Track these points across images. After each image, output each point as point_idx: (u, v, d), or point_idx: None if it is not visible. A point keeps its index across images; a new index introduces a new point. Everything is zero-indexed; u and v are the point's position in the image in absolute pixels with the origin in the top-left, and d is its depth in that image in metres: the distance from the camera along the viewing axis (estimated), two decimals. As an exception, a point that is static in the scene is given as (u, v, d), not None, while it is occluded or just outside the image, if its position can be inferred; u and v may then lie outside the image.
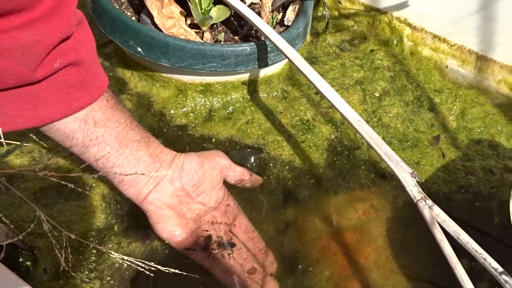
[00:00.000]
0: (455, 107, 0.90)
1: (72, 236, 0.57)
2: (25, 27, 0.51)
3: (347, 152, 0.84)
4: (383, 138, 0.70)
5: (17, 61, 0.51)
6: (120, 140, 0.65)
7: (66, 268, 0.60)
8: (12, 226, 0.61)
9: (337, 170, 0.82)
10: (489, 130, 0.87)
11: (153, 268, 0.61)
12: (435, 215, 0.61)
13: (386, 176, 0.82)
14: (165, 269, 0.61)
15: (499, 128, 0.88)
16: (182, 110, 0.86)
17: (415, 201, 0.62)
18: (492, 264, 0.57)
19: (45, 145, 0.78)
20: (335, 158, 0.83)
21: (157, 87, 0.87)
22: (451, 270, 0.71)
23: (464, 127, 0.88)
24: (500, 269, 0.56)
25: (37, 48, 0.52)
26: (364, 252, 0.74)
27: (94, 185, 0.75)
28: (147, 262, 0.61)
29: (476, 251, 0.58)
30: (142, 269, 0.60)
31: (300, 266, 0.72)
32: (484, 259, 0.58)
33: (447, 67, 0.97)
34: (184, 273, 0.64)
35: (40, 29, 0.52)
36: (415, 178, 0.64)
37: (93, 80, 0.61)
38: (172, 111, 0.86)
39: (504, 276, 0.56)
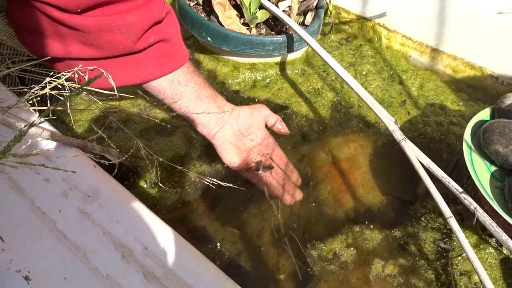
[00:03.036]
0: (416, 82, 0.80)
1: (160, 159, 0.51)
2: (129, 11, 0.45)
3: (344, 110, 0.75)
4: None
5: (123, 35, 0.45)
6: (197, 95, 0.57)
7: (156, 181, 0.55)
8: (118, 150, 0.55)
9: (337, 121, 0.73)
10: (439, 97, 0.78)
11: (215, 182, 0.55)
12: (413, 151, 0.52)
13: (370, 125, 0.73)
14: (223, 183, 0.56)
15: (446, 96, 0.78)
16: (236, 80, 0.78)
17: (398, 140, 0.53)
18: (454, 186, 0.48)
19: (148, 101, 0.71)
20: (335, 113, 0.75)
21: (220, 66, 0.79)
22: (411, 188, 0.64)
23: (422, 95, 0.79)
24: (460, 189, 0.48)
25: (137, 26, 0.46)
26: (353, 175, 0.66)
27: (179, 126, 0.69)
28: (212, 179, 0.55)
29: (443, 177, 0.49)
30: (208, 183, 0.55)
31: (311, 183, 0.65)
32: (448, 182, 0.49)
33: (410, 56, 0.87)
34: (235, 186, 0.59)
35: (140, 13, 0.46)
36: (397, 124, 0.55)
37: (177, 53, 0.54)
38: (230, 81, 0.78)
39: (463, 195, 0.47)
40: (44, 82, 0.41)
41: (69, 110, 0.65)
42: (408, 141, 0.52)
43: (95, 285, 0.34)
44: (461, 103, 0.77)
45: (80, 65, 0.46)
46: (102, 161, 0.45)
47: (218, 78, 0.78)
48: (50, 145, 0.43)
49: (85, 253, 0.36)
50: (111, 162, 0.47)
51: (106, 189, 0.41)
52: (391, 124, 0.54)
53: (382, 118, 0.55)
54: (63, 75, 0.42)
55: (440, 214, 0.60)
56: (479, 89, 0.81)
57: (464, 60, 0.81)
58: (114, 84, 0.49)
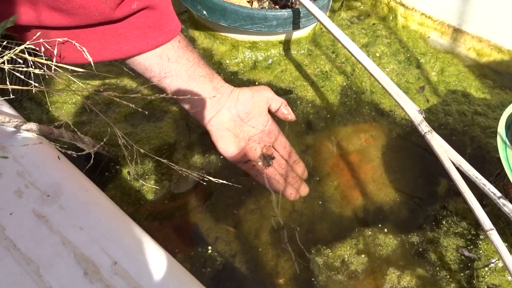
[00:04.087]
0: (436, 66, 0.73)
1: (142, 150, 0.43)
2: None
3: (354, 96, 0.68)
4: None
5: None
6: (189, 74, 0.50)
7: (134, 174, 0.49)
8: (88, 138, 0.47)
9: (347, 108, 0.66)
10: (462, 83, 0.70)
11: (206, 178, 0.49)
12: (440, 145, 0.44)
13: (384, 114, 0.66)
14: (215, 180, 0.49)
15: (470, 82, 0.71)
16: (235, 60, 0.70)
17: (423, 133, 0.45)
18: (491, 189, 0.40)
19: (136, 81, 0.64)
20: (345, 100, 0.67)
21: (217, 44, 0.71)
22: (429, 186, 0.57)
23: (443, 80, 0.71)
24: (499, 193, 0.40)
25: None
26: (364, 169, 0.59)
27: (169, 110, 0.62)
28: (203, 174, 0.49)
29: (477, 178, 0.41)
30: (197, 178, 0.48)
31: (316, 178, 0.58)
32: (484, 184, 0.40)
33: (429, 37, 0.79)
34: (229, 183, 0.52)
35: None
36: (421, 114, 0.47)
37: (166, 23, 0.46)
38: (228, 61, 0.70)
39: (502, 200, 0.39)
40: (-4, 53, 0.34)
41: (44, 90, 0.57)
42: (435, 134, 0.44)
43: (47, 311, 0.27)
44: (486, 91, 0.69)
45: (38, 33, 0.38)
46: (69, 152, 0.37)
47: (215, 57, 0.70)
48: (5, 131, 0.36)
49: (38, 268, 0.29)
50: (79, 154, 0.40)
51: (70, 186, 0.33)
52: (415, 114, 0.46)
53: (404, 106, 0.47)
54: (20, 44, 0.35)
55: (464, 217, 0.53)
56: (506, 75, 0.73)
57: (491, 42, 0.73)
58: (91, 59, 0.41)
